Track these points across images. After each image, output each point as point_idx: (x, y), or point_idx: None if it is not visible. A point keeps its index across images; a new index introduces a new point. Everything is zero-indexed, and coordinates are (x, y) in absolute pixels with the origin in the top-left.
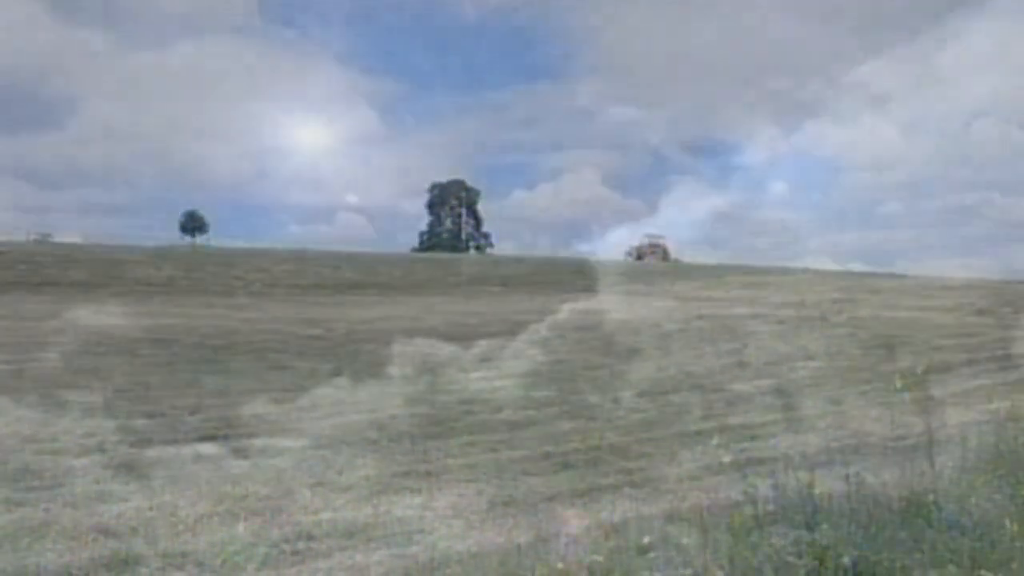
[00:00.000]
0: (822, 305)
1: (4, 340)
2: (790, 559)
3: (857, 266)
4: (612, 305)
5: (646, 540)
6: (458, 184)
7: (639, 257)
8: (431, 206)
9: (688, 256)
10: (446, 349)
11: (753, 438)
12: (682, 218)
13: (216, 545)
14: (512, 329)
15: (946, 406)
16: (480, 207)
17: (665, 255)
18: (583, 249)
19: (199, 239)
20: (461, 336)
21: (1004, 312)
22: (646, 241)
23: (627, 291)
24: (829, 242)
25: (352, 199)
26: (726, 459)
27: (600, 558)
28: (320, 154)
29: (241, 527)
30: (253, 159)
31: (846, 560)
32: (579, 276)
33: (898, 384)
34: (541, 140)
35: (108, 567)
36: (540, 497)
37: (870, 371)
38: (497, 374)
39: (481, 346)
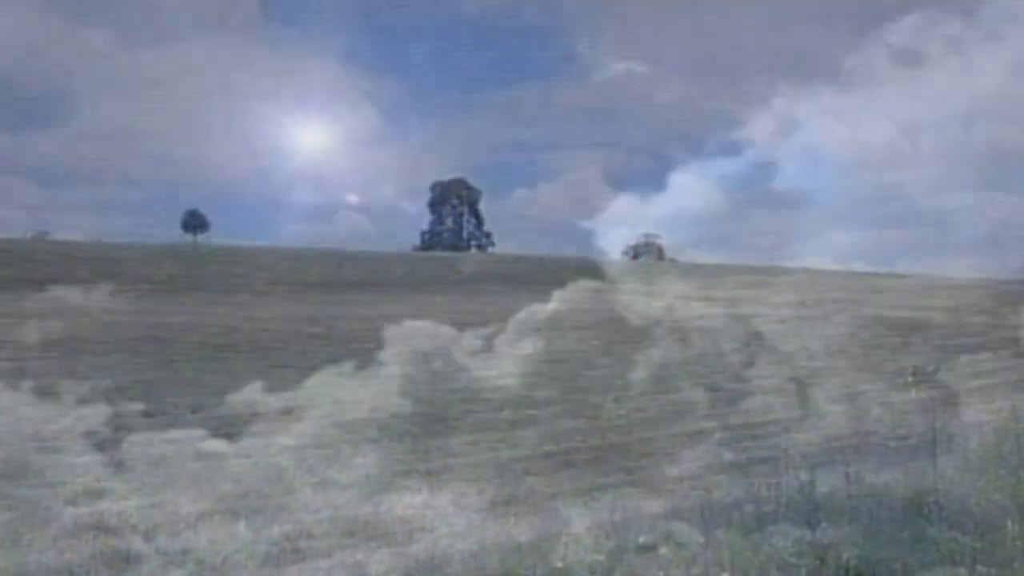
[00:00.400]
0: (824, 304)
1: (5, 338)
2: (791, 558)
3: (859, 266)
4: (612, 304)
5: (642, 539)
6: (459, 183)
7: (635, 256)
8: (432, 205)
9: (689, 255)
10: (447, 347)
11: (755, 437)
12: (684, 217)
13: (216, 543)
14: (513, 327)
15: (948, 405)
16: (481, 206)
17: (661, 254)
18: (584, 248)
19: (200, 237)
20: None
21: (1005, 312)
22: (642, 240)
23: (628, 290)
24: (830, 242)
25: (353, 198)
26: (727, 457)
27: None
28: (321, 153)
29: (242, 525)
30: (253, 158)
31: (847, 558)
32: (580, 275)
33: (900, 383)
34: (542, 139)
35: (108, 564)
36: (542, 497)
37: (872, 370)
38: (497, 373)
39: (481, 344)
